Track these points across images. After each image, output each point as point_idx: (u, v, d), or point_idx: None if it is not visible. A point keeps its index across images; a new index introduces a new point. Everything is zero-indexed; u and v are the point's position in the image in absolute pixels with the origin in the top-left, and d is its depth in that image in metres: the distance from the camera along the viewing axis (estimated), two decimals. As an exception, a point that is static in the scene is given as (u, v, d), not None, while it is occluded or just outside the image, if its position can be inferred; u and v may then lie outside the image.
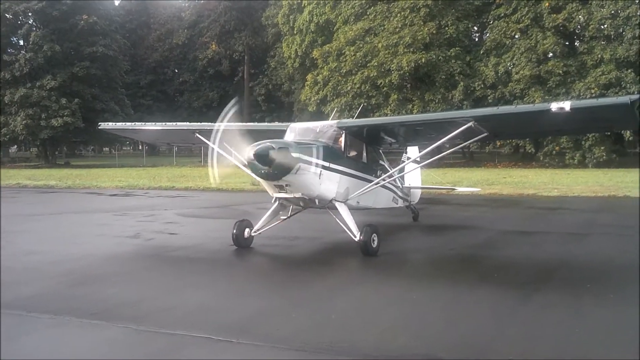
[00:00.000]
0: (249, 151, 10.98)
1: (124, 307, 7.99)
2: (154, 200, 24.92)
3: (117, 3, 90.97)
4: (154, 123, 15.03)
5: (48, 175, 40.65)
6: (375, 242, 11.63)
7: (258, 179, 11.54)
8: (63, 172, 46.86)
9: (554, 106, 9.87)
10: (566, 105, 9.76)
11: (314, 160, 11.31)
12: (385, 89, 46.33)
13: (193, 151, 67.46)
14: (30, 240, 13.96)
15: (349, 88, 47.36)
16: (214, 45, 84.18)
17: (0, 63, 59.93)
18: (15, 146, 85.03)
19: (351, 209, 12.58)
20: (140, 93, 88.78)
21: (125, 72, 77.90)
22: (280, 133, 12.70)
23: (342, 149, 12.34)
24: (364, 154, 13.23)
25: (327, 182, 11.71)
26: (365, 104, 46.75)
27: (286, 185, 11.36)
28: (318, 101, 49.27)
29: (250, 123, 14.35)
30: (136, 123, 16.17)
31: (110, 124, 15.71)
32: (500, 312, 7.67)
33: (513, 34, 44.03)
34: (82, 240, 13.98)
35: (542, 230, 15.03)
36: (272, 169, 10.83)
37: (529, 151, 44.55)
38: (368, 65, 46.66)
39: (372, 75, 46.06)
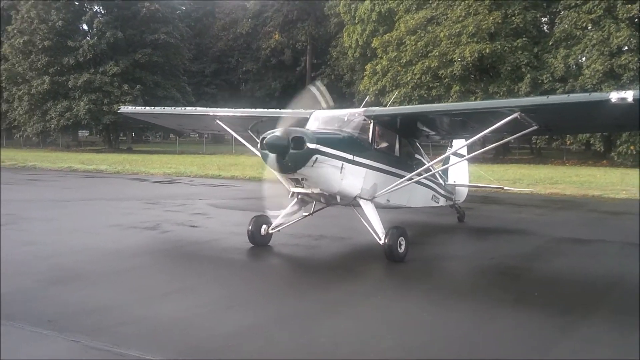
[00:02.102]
0: (260, 140, 9.88)
1: (89, 315, 6.92)
2: (194, 189, 24.16)
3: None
4: (173, 108, 14.09)
5: (103, 160, 40.71)
6: (403, 247, 10.26)
7: (272, 171, 10.32)
8: (121, 157, 46.99)
9: (614, 96, 8.28)
10: (628, 95, 8.16)
11: (334, 152, 10.03)
12: (446, 80, 44.44)
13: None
14: (40, 229, 13.19)
15: (408, 78, 45.71)
16: (277, 35, 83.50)
17: None
18: (87, 131, 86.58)
19: (380, 207, 11.27)
20: (205, 82, 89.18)
21: (190, 61, 78.44)
22: (304, 121, 11.47)
23: (370, 141, 10.98)
24: (397, 147, 11.83)
25: (350, 176, 10.39)
26: (425, 95, 45.11)
27: (302, 179, 10.11)
28: (377, 92, 47.71)
29: (270, 109, 13.04)
30: (156, 107, 15.24)
31: (130, 107, 14.95)
32: (528, 348, 6.19)
33: (584, 25, 41.15)
34: (93, 231, 13.10)
35: (602, 239, 13.27)
36: (284, 160, 9.62)
37: (599, 149, 41.65)
38: (429, 55, 44.88)
39: (433, 65, 44.30)
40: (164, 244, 11.86)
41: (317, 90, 10.94)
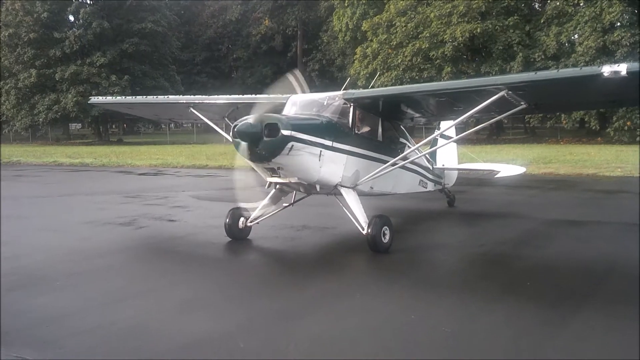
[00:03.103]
0: (232, 128, 9.26)
1: (41, 326, 6.31)
2: (178, 180, 23.57)
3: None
4: (145, 96, 13.47)
5: (90, 153, 40.04)
6: (387, 237, 9.67)
7: (246, 160, 9.70)
8: (109, 149, 46.30)
9: (607, 70, 7.65)
10: (622, 68, 7.54)
11: (311, 138, 9.41)
12: (438, 61, 43.72)
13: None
14: (10, 228, 12.52)
15: (399, 61, 45.04)
16: (267, 21, 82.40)
17: None
18: (80, 124, 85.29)
19: (363, 195, 10.69)
20: (195, 70, 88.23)
21: (180, 50, 77.53)
22: (281, 107, 10.85)
23: (350, 125, 10.35)
24: (379, 131, 11.17)
25: (329, 164, 9.77)
26: (416, 77, 44.41)
27: (278, 169, 9.49)
28: (367, 75, 46.95)
29: (246, 95, 12.43)
30: (127, 97, 14.63)
31: (100, 98, 14.33)
32: (519, 346, 5.60)
33: (576, 1, 40.45)
34: (64, 229, 12.50)
35: (596, 220, 12.68)
36: (258, 149, 9.01)
37: (594, 127, 40.93)
38: (419, 36, 44.21)
39: (423, 47, 43.62)
40: (136, 241, 11.24)
41: (294, 78, 10.30)
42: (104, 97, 14.83)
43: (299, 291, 7.60)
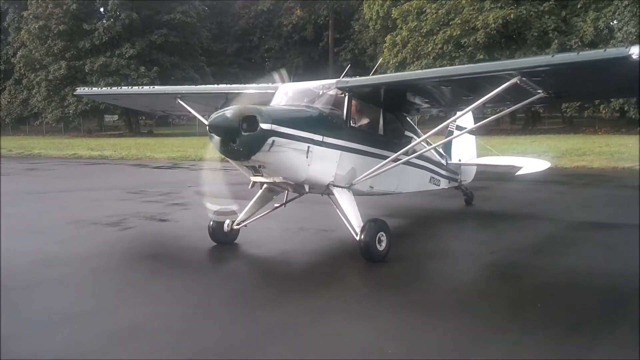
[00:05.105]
0: (207, 121, 8.26)
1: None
2: (189, 174, 22.71)
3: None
4: (129, 87, 12.57)
5: (113, 145, 39.50)
6: (383, 244, 8.55)
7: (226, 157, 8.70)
8: (134, 141, 45.88)
9: (636, 52, 6.40)
10: (654, 47, 6.30)
11: (296, 132, 8.32)
12: (470, 49, 42.09)
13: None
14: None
15: (430, 49, 43.52)
16: (298, 11, 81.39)
17: None
18: (116, 115, 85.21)
19: (362, 195, 9.65)
20: (227, 61, 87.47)
21: (212, 40, 77.02)
22: (270, 97, 9.80)
23: (344, 117, 9.21)
24: (380, 123, 10.01)
25: (319, 161, 8.68)
26: (448, 65, 42.84)
27: (259, 167, 8.44)
28: (397, 64, 45.60)
29: (234, 85, 11.42)
30: (113, 87, 13.77)
31: (86, 89, 13.51)
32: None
33: (616, -16, 38.38)
34: (45, 229, 11.64)
35: (630, 223, 11.14)
36: (235, 144, 7.97)
37: (634, 116, 38.82)
38: (451, 23, 42.65)
39: (455, 34, 42.03)
40: (114, 246, 10.23)
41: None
42: (89, 88, 13.96)
43: (267, 313, 6.49)
